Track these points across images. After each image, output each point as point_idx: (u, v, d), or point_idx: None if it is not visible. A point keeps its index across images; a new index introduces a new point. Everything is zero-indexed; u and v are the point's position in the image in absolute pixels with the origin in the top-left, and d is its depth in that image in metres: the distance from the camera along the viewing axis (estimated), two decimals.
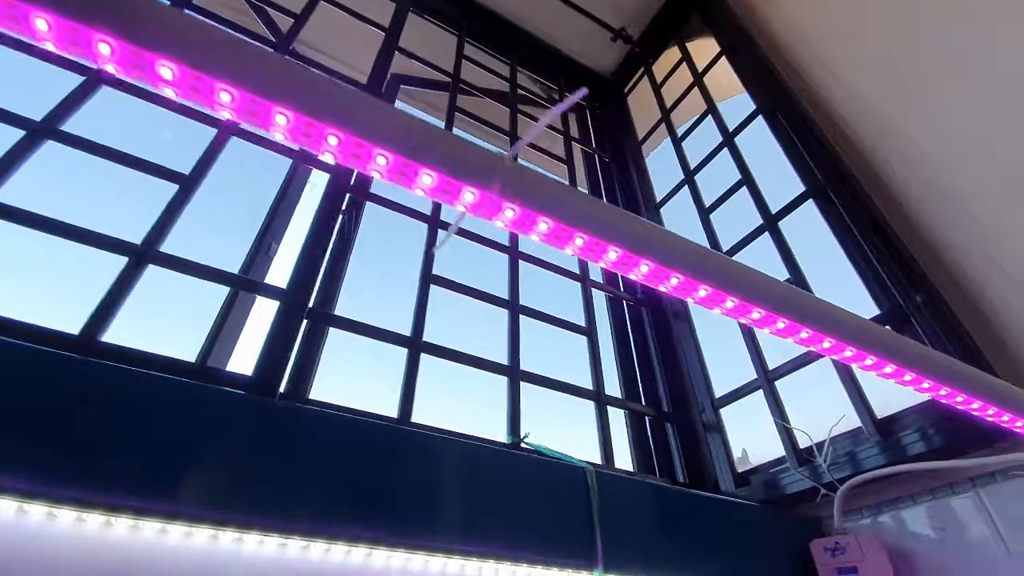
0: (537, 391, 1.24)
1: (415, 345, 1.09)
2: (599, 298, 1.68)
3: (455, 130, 1.67)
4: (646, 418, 1.42)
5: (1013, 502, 0.80)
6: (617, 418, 1.41)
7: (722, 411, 1.32)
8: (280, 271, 1.23)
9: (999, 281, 0.92)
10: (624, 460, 1.36)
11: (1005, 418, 0.75)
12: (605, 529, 0.79)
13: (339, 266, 1.30)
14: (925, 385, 0.74)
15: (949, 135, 1.06)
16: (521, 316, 1.32)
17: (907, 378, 0.71)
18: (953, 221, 1.01)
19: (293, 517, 0.65)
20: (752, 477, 1.18)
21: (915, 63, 1.17)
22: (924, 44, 1.16)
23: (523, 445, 1.05)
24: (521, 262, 1.44)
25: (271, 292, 0.98)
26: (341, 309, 1.23)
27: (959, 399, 0.74)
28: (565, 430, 1.27)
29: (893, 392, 1.02)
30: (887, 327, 1.01)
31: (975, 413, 0.77)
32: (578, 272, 1.54)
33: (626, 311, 1.68)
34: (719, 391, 1.34)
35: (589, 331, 1.40)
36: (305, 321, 0.98)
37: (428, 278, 1.23)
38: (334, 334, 1.07)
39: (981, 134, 1.01)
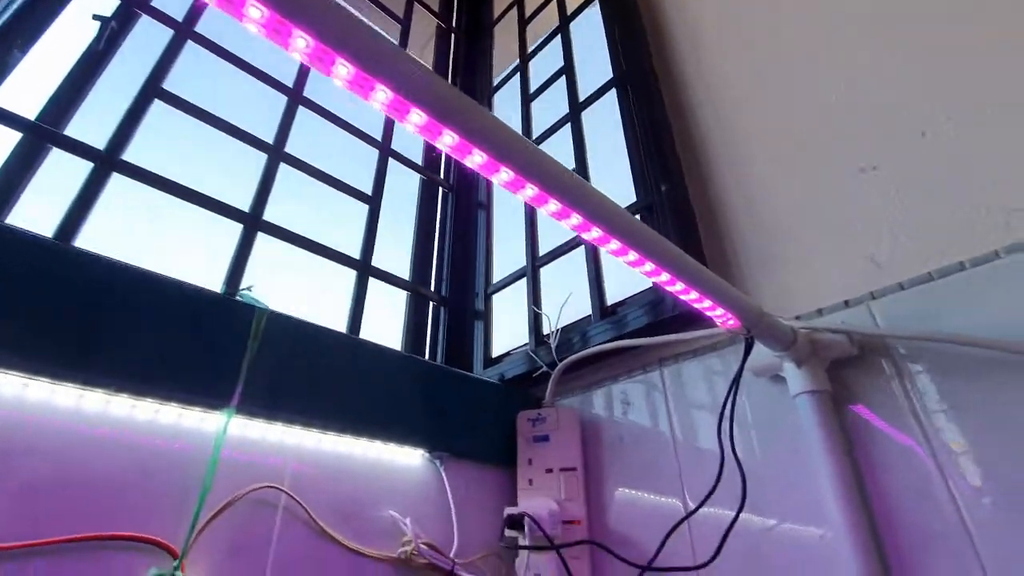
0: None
1: (106, 160, 0.88)
2: (411, 180, 1.55)
3: None
4: (430, 303, 1.36)
5: (684, 380, 0.84)
6: (400, 301, 1.34)
7: (497, 298, 1.29)
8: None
9: (727, 184, 0.93)
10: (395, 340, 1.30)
11: (707, 304, 0.76)
12: (258, 373, 0.70)
13: (84, 81, 1.00)
14: (647, 267, 0.72)
15: (743, 51, 1.04)
16: (293, 170, 1.15)
17: (631, 257, 0.68)
18: (715, 122, 1.01)
19: None
20: (505, 358, 1.17)
21: None
22: None
23: (238, 297, 0.92)
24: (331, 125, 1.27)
25: None
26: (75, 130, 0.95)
27: (678, 287, 0.73)
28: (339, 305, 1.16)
29: (628, 280, 1.04)
30: (636, 216, 1.00)
31: (682, 298, 0.77)
32: (379, 139, 1.38)
33: (439, 199, 1.58)
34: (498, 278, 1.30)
35: (372, 200, 1.27)
36: None
37: (152, 91, 0.99)
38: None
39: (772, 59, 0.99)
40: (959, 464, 0.57)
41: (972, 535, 0.54)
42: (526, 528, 0.75)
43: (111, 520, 0.56)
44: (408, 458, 0.84)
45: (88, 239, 0.85)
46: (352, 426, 0.78)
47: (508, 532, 0.77)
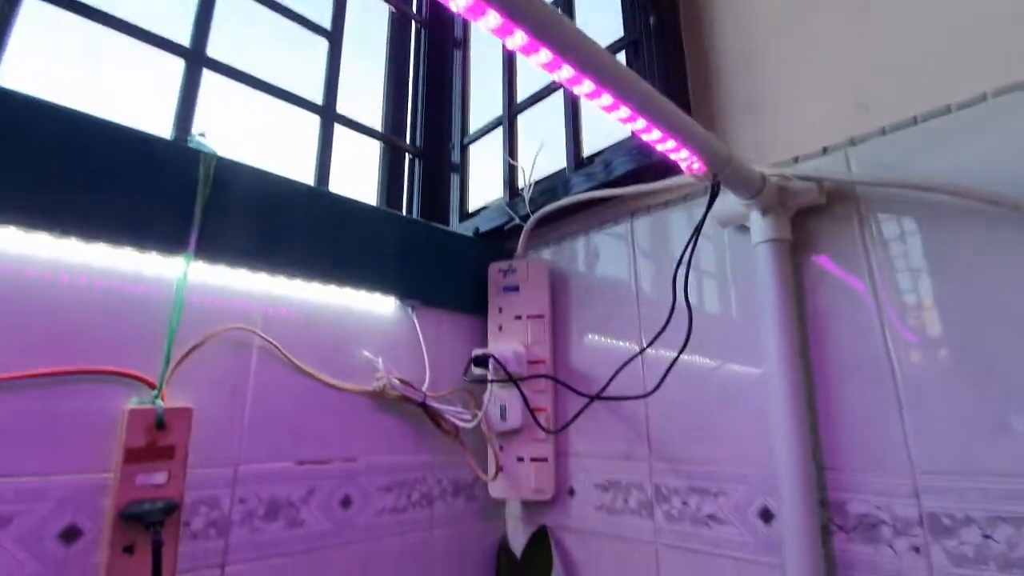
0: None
1: None
2: (379, 14, 1.38)
3: None
4: (405, 155, 1.29)
5: (653, 231, 0.84)
6: (374, 151, 1.28)
7: (475, 149, 1.23)
8: None
9: (720, 18, 0.83)
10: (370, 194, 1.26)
11: (672, 146, 0.72)
12: (215, 220, 0.69)
13: None
14: (606, 100, 0.66)
15: None
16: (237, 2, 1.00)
17: (588, 87, 0.61)
18: None
19: None
20: (482, 212, 1.15)
21: None
22: None
23: (189, 144, 0.86)
24: None
25: None
26: None
27: (640, 124, 0.67)
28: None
29: (608, 131, 0.98)
30: (622, 52, 0.91)
31: (646, 138, 0.73)
32: None
33: (412, 36, 1.42)
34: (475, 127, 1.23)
35: (332, 34, 1.13)
36: None
37: None
38: None
39: None
40: (902, 313, 0.58)
41: (897, 378, 0.57)
42: (491, 366, 0.81)
43: (84, 358, 0.59)
44: (381, 306, 0.87)
45: (18, 80, 0.77)
46: (320, 275, 0.78)
47: (474, 369, 0.83)
